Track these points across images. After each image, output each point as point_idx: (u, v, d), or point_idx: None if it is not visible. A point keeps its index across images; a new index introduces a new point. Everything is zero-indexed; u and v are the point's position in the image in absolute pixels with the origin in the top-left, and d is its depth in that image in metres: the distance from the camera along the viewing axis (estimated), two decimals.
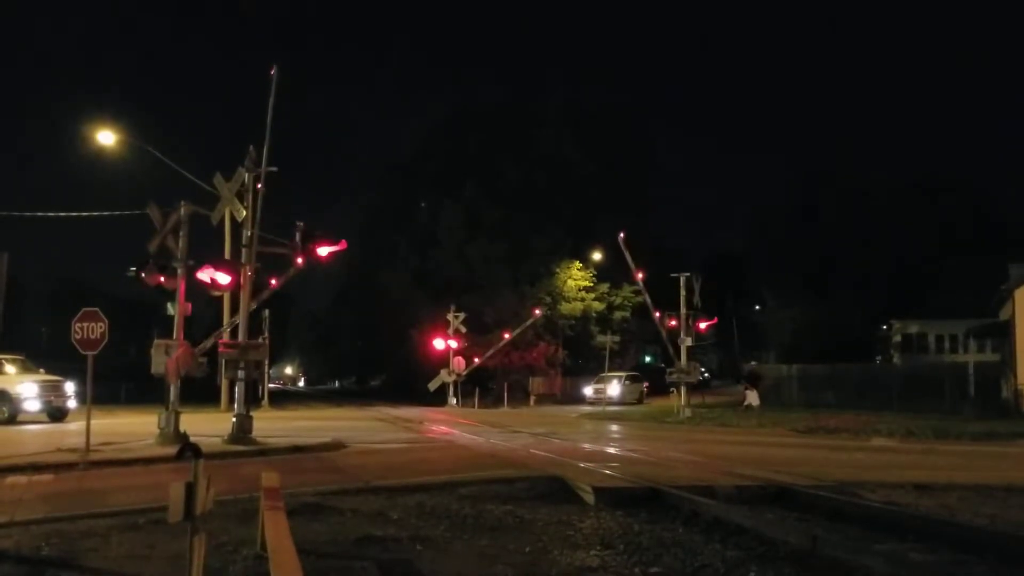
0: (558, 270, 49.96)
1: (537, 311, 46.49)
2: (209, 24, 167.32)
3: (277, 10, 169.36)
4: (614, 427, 25.01)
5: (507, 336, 45.94)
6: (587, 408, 37.34)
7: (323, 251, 16.50)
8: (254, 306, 17.82)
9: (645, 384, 45.76)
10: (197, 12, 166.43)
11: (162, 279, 16.30)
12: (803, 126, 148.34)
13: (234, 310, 21.70)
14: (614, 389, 42.36)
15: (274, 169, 17.85)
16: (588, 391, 43.77)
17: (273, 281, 19.10)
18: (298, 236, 16.69)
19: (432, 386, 42.32)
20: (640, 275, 31.16)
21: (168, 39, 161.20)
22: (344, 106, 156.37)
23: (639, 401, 42.80)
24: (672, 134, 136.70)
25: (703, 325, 29.95)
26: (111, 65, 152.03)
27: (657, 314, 30.40)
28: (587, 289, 50.48)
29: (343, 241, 16.78)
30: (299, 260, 16.97)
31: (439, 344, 42.48)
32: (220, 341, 17.04)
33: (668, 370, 30.38)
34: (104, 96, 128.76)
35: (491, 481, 10.92)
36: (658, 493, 9.46)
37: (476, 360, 43.89)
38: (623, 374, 45.42)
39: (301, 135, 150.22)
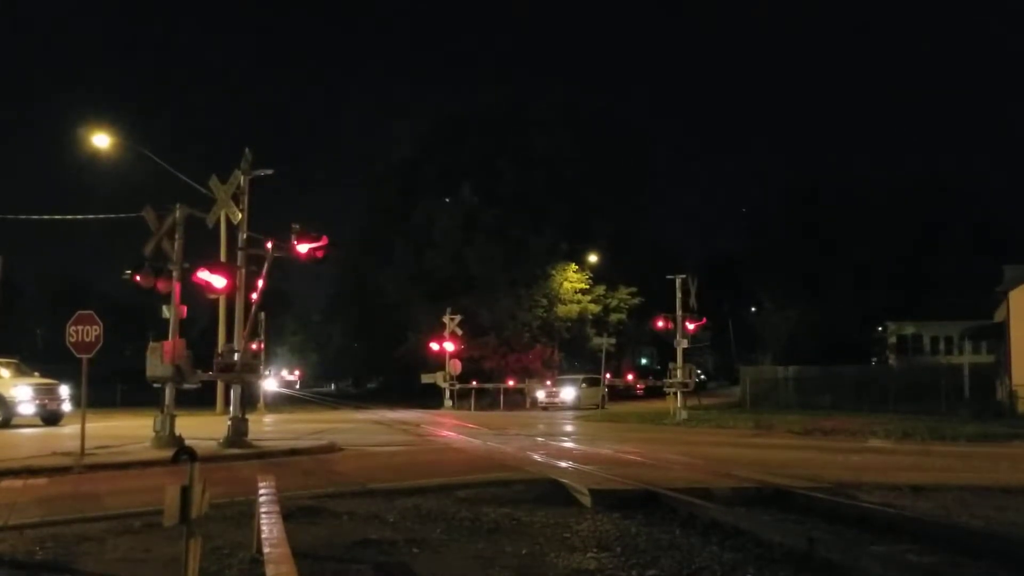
0: (554, 272, 49.94)
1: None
2: (207, 23, 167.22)
3: (276, 11, 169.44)
4: (610, 430, 25.00)
5: (512, 383, 45.10)
6: (580, 411, 37.17)
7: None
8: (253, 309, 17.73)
9: (606, 388, 42.48)
10: (194, 11, 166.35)
11: (157, 282, 16.27)
12: (800, 128, 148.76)
13: (230, 313, 21.64)
14: (569, 393, 40.76)
15: (270, 171, 17.87)
16: (540, 395, 41.87)
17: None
18: (294, 238, 16.61)
19: (425, 379, 42.10)
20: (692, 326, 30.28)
21: (165, 38, 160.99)
22: (341, 107, 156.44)
23: (599, 406, 39.04)
24: (669, 136, 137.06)
25: (691, 326, 29.78)
26: (109, 65, 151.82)
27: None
28: (583, 291, 50.44)
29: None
30: (268, 248, 16.81)
31: (435, 346, 42.37)
32: (215, 360, 16.85)
33: (665, 380, 30.11)
34: (101, 96, 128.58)
35: (488, 484, 10.92)
36: (655, 495, 9.46)
37: (475, 383, 43.46)
38: (580, 377, 43.46)
39: (298, 135, 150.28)
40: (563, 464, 13.47)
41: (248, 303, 17.45)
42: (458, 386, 41.96)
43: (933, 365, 43.20)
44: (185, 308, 17.06)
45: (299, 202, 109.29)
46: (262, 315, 34.96)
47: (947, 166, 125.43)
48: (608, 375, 44.40)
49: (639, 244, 56.76)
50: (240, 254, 17.53)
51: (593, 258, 50.97)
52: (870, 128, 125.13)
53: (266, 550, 5.46)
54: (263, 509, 6.46)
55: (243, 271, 17.15)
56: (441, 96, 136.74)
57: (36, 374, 25.08)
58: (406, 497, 9.83)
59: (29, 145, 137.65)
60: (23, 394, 22.91)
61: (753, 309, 62.80)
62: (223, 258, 23.63)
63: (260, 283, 17.06)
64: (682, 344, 28.84)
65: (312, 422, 28.18)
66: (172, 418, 15.94)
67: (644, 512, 8.77)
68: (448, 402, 40.94)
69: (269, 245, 16.92)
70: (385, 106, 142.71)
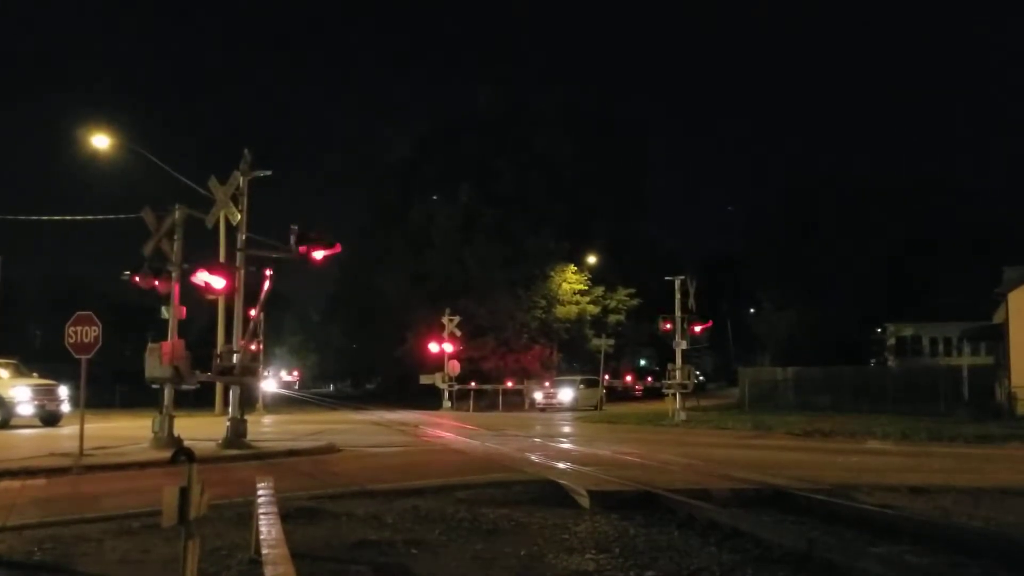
0: (553, 273, 49.94)
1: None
2: (206, 23, 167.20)
3: (275, 12, 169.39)
4: (609, 431, 25.01)
5: (510, 384, 44.77)
6: (578, 413, 37.17)
7: (318, 255, 16.40)
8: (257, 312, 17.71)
9: (604, 389, 42.23)
10: (194, 11, 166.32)
11: (156, 283, 16.28)
12: (799, 128, 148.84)
13: (229, 314, 21.65)
14: (566, 394, 40.82)
15: (269, 172, 17.87)
16: (537, 396, 41.77)
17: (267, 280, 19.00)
18: (293, 239, 16.62)
19: (424, 380, 42.12)
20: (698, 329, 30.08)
21: (166, 39, 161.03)
22: (341, 107, 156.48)
23: (597, 407, 39.11)
24: (668, 136, 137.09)
25: (698, 328, 29.80)
26: (109, 65, 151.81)
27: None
28: (582, 292, 50.45)
29: (338, 244, 16.64)
30: (267, 276, 17.01)
31: (434, 347, 42.36)
32: (214, 362, 16.82)
33: (664, 382, 30.17)
34: (101, 96, 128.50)
35: (486, 485, 10.91)
36: (654, 496, 9.45)
37: (474, 384, 43.39)
38: (578, 378, 43.51)
39: (298, 135, 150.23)
40: (561, 465, 13.46)
41: (247, 304, 17.45)
42: (457, 387, 41.88)
43: (932, 366, 43.24)
44: (184, 309, 17.06)
45: (299, 202, 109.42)
46: (261, 316, 35.10)
47: (947, 166, 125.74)
48: (607, 376, 44.39)
49: (638, 245, 56.80)
50: (239, 255, 17.51)
51: (592, 259, 50.97)
52: (870, 128, 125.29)
53: (265, 551, 5.46)
54: (262, 510, 6.46)
55: (242, 272, 17.14)
56: (441, 96, 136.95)
57: (35, 375, 25.06)
58: (405, 498, 9.82)
59: (28, 145, 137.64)
60: (22, 395, 22.90)
61: (752, 310, 62.88)
62: (222, 259, 23.65)
63: (262, 295, 17.11)
64: (681, 345, 28.83)
65: (311, 423, 28.18)
66: (171, 419, 15.94)
67: (643, 513, 8.76)
68: (447, 403, 40.91)
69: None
70: (385, 106, 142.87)
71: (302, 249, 16.29)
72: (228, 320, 21.45)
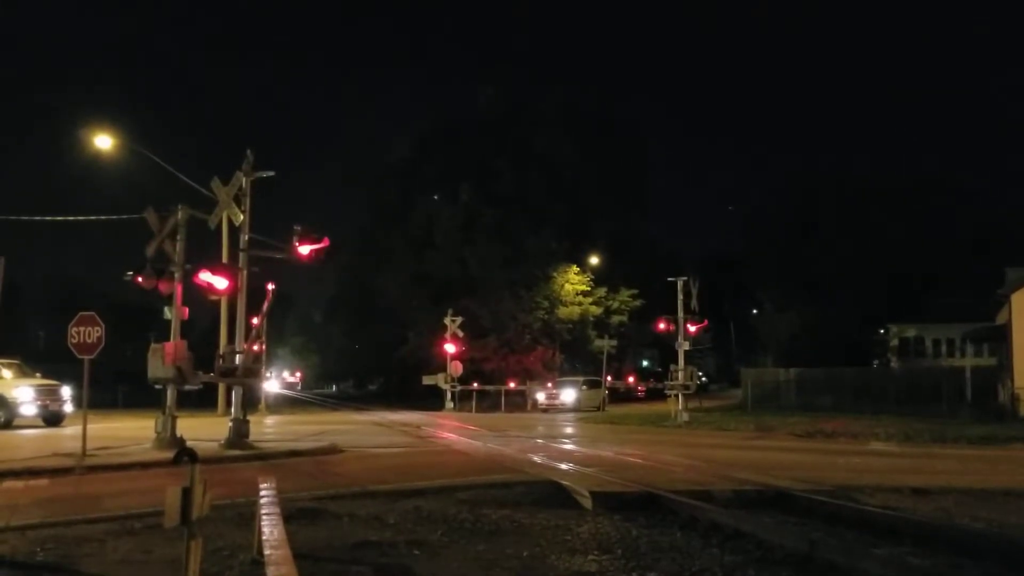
0: (555, 274, 49.90)
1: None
2: (207, 23, 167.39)
3: (275, 12, 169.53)
4: (611, 432, 24.99)
5: (512, 385, 44.66)
6: (580, 413, 37.15)
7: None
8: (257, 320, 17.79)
9: (606, 390, 42.11)
10: (194, 12, 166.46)
11: (159, 283, 16.30)
12: (800, 128, 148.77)
13: (232, 314, 21.66)
14: (569, 395, 40.94)
15: (271, 173, 17.90)
16: (540, 397, 41.86)
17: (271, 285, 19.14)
18: (296, 240, 16.63)
19: (427, 381, 42.13)
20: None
21: (166, 40, 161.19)
22: (341, 107, 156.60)
23: (599, 408, 38.95)
24: (669, 136, 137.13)
25: (692, 328, 29.72)
26: (109, 65, 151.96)
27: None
28: (584, 293, 50.39)
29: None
30: (270, 291, 17.16)
31: (437, 348, 42.33)
32: (217, 363, 16.83)
33: (666, 383, 30.17)
34: (102, 97, 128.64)
35: (488, 485, 10.91)
36: (656, 497, 9.45)
37: (476, 385, 43.44)
38: (580, 379, 43.63)
39: (298, 135, 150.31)
40: (564, 466, 13.46)
41: (250, 305, 17.47)
42: (459, 388, 41.88)
43: (934, 367, 43.18)
44: (187, 310, 17.07)
45: (299, 202, 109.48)
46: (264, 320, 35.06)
47: (947, 166, 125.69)
48: (609, 377, 44.31)
49: (639, 245, 56.79)
50: (242, 255, 17.54)
51: (594, 260, 50.93)
52: (870, 128, 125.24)
53: (267, 551, 5.47)
54: (264, 511, 6.47)
55: (245, 272, 17.17)
56: (441, 96, 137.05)
57: (38, 375, 25.09)
58: (407, 499, 9.83)
59: (28, 145, 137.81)
60: (25, 395, 22.93)
61: (755, 311, 62.82)
62: (225, 260, 23.70)
63: (264, 306, 17.18)
64: (683, 346, 28.80)
65: (313, 423, 28.18)
66: (173, 419, 15.95)
67: (645, 514, 8.77)
68: (449, 404, 40.91)
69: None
70: (385, 106, 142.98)
71: (303, 248, 16.35)
72: (231, 321, 21.49)
